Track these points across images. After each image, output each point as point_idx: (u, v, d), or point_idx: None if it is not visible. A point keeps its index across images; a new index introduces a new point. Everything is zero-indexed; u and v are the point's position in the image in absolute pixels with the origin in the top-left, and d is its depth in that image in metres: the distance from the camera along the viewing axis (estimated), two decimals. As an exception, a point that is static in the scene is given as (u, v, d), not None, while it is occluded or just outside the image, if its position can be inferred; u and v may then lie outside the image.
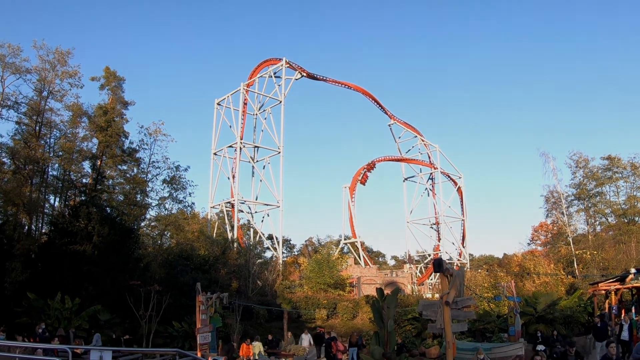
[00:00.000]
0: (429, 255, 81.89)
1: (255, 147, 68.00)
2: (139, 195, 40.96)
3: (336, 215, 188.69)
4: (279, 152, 64.39)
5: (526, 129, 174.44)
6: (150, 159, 41.90)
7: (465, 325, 12.42)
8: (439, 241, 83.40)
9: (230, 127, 65.02)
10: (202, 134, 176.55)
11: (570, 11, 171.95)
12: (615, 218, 55.91)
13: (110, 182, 41.83)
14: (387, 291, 27.68)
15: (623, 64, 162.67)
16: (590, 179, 56.96)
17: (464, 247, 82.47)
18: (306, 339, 25.68)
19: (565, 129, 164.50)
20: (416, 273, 73.61)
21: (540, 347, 21.97)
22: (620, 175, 56.53)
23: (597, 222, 59.20)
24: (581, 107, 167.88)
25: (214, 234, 55.03)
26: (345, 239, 76.91)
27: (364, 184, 76.47)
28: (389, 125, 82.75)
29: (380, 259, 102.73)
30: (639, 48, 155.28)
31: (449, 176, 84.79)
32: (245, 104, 66.83)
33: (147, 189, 41.79)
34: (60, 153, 36.67)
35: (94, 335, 22.09)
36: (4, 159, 34.79)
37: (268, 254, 63.81)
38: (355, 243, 73.65)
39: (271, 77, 68.61)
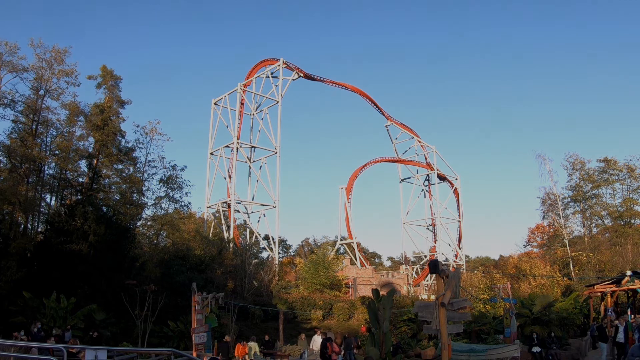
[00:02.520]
0: (425, 256, 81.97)
1: (252, 147, 67.87)
2: (135, 195, 40.90)
3: (332, 216, 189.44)
4: (276, 153, 64.35)
5: (523, 131, 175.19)
6: (146, 158, 41.99)
7: (460, 327, 12.46)
8: (435, 242, 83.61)
9: (227, 127, 65.05)
10: (198, 134, 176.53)
11: (568, 13, 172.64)
12: (611, 220, 56.10)
13: (106, 181, 41.67)
14: (382, 292, 27.72)
15: (621, 65, 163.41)
16: (586, 181, 57.17)
17: (460, 248, 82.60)
18: (318, 341, 24.91)
19: (562, 131, 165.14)
20: (412, 274, 73.64)
21: (536, 349, 22.06)
22: (616, 177, 56.80)
23: (593, 224, 59.45)
24: (578, 109, 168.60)
25: (210, 234, 54.94)
26: (341, 240, 76.92)
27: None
28: (386, 126, 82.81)
29: (376, 260, 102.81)
30: (636, 49, 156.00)
31: (445, 178, 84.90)
32: (242, 104, 66.74)
33: (143, 189, 41.80)
34: (57, 152, 36.53)
35: (66, 334, 21.88)
36: (0, 157, 34.70)
37: (264, 255, 63.78)
38: (352, 244, 73.65)
39: (268, 77, 68.52)
